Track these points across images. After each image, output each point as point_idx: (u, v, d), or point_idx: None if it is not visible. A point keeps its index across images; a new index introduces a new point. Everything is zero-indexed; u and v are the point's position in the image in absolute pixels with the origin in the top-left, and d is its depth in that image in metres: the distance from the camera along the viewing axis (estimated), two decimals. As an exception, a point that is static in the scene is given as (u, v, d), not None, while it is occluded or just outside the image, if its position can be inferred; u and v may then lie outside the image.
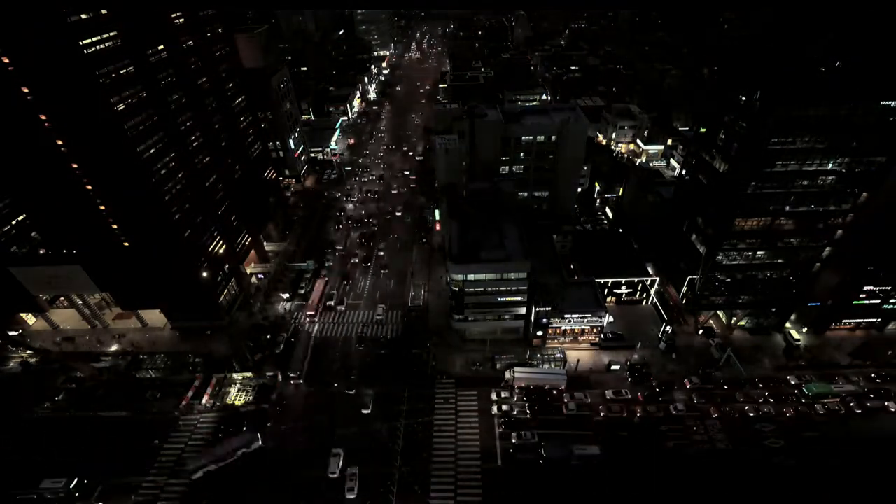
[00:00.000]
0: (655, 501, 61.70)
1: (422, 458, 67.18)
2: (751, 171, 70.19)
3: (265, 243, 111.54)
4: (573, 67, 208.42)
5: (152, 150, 71.65)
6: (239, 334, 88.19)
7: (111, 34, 64.08)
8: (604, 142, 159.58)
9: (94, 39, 61.28)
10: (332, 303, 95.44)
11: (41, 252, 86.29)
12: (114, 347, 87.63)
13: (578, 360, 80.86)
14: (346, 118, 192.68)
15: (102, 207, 72.85)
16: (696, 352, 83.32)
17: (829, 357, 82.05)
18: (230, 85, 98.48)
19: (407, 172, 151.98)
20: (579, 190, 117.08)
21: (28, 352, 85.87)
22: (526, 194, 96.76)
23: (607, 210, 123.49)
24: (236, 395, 77.20)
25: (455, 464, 66.47)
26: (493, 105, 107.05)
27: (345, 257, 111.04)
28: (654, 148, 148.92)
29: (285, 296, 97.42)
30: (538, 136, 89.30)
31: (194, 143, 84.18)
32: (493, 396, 75.73)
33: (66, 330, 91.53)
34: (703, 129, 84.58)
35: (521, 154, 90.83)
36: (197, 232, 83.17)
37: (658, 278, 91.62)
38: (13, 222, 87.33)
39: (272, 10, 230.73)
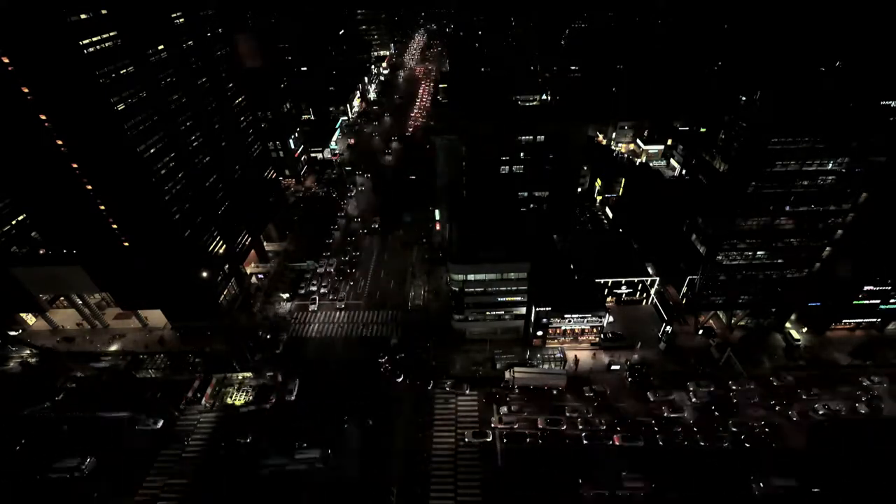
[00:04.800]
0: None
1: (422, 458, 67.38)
2: (751, 171, 70.25)
3: (265, 243, 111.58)
4: (573, 67, 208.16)
5: (152, 150, 71.68)
6: (239, 334, 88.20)
7: (111, 34, 64.14)
8: (604, 142, 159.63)
9: (94, 39, 61.33)
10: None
11: (41, 252, 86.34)
12: (114, 347, 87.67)
13: (578, 360, 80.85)
14: (346, 118, 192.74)
15: (102, 207, 72.86)
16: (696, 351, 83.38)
17: (828, 357, 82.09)
18: (230, 85, 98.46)
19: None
20: (579, 190, 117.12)
21: (28, 351, 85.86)
22: (526, 194, 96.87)
23: (607, 210, 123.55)
24: (236, 395, 77.23)
25: (455, 464, 66.59)
26: (493, 105, 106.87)
27: (344, 256, 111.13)
28: (654, 148, 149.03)
29: (285, 296, 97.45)
30: (538, 136, 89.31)
31: (194, 143, 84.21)
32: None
33: (66, 330, 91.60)
34: (703, 129, 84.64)
35: (521, 154, 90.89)
36: (197, 232, 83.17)
37: (658, 278, 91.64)
38: (13, 222, 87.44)
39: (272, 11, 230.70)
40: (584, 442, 68.56)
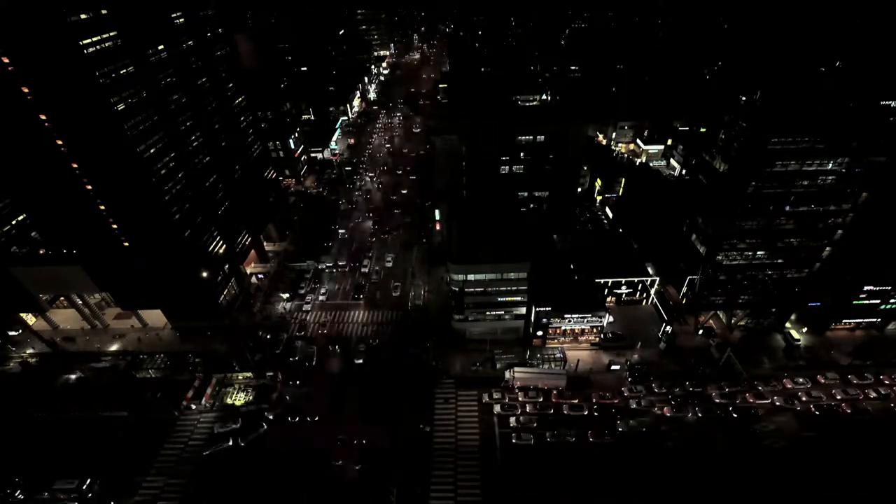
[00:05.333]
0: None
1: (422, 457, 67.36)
2: (751, 171, 70.24)
3: (265, 243, 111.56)
4: (573, 67, 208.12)
5: (152, 150, 71.67)
6: (239, 334, 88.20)
7: (111, 34, 64.13)
8: (604, 142, 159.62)
9: (94, 39, 61.31)
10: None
11: (41, 252, 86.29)
12: (114, 347, 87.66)
13: (578, 360, 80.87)
14: (346, 118, 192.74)
15: (102, 207, 72.85)
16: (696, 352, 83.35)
17: (828, 357, 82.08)
18: (230, 85, 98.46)
19: (408, 170, 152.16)
20: (579, 190, 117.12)
21: (31, 350, 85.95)
22: (526, 194, 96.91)
23: (607, 210, 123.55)
24: (236, 395, 77.23)
25: (455, 463, 66.63)
26: (493, 105, 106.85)
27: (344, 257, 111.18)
28: (654, 148, 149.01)
29: (285, 296, 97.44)
30: (538, 137, 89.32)
31: (194, 143, 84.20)
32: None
33: (66, 330, 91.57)
34: (703, 129, 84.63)
35: (521, 154, 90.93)
36: (197, 232, 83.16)
37: (658, 278, 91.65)
38: (13, 222, 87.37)
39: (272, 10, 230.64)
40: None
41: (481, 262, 78.42)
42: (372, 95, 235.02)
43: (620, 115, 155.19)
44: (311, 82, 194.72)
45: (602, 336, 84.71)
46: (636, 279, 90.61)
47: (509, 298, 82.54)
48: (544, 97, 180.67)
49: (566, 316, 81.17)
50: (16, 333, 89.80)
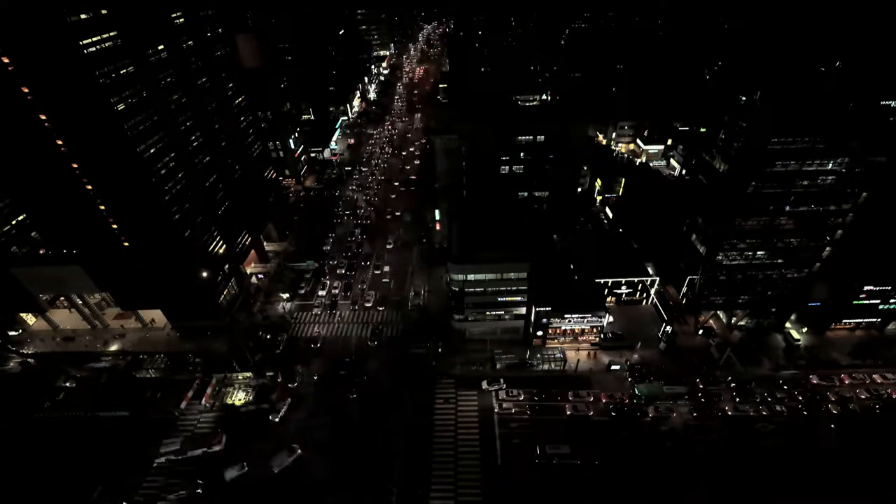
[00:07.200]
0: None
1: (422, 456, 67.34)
2: (751, 171, 70.27)
3: (265, 243, 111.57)
4: (573, 67, 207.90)
5: (152, 150, 71.65)
6: (239, 334, 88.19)
7: (111, 34, 64.12)
8: (604, 142, 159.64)
9: (94, 39, 61.30)
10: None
11: (41, 252, 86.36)
12: (114, 347, 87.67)
13: (578, 360, 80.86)
14: (346, 118, 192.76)
15: (102, 207, 72.86)
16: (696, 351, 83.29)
17: (828, 357, 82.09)
18: (230, 85, 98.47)
19: (407, 168, 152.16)
20: (579, 190, 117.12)
21: (30, 351, 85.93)
22: (526, 194, 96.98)
23: (607, 210, 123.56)
24: (236, 395, 77.23)
25: (455, 463, 66.61)
26: (493, 105, 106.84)
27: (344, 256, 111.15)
28: (654, 148, 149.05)
29: (285, 296, 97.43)
30: (538, 137, 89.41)
31: (194, 143, 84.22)
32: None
33: (66, 330, 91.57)
34: (703, 129, 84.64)
35: (521, 154, 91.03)
36: (197, 232, 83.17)
37: (658, 278, 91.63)
38: (13, 222, 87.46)
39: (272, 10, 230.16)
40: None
41: (481, 262, 78.43)
42: (372, 95, 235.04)
43: (620, 115, 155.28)
44: (311, 82, 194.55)
45: (602, 336, 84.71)
46: (636, 279, 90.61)
47: (509, 298, 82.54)
48: (544, 97, 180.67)
49: (566, 316, 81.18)
50: (16, 333, 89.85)
